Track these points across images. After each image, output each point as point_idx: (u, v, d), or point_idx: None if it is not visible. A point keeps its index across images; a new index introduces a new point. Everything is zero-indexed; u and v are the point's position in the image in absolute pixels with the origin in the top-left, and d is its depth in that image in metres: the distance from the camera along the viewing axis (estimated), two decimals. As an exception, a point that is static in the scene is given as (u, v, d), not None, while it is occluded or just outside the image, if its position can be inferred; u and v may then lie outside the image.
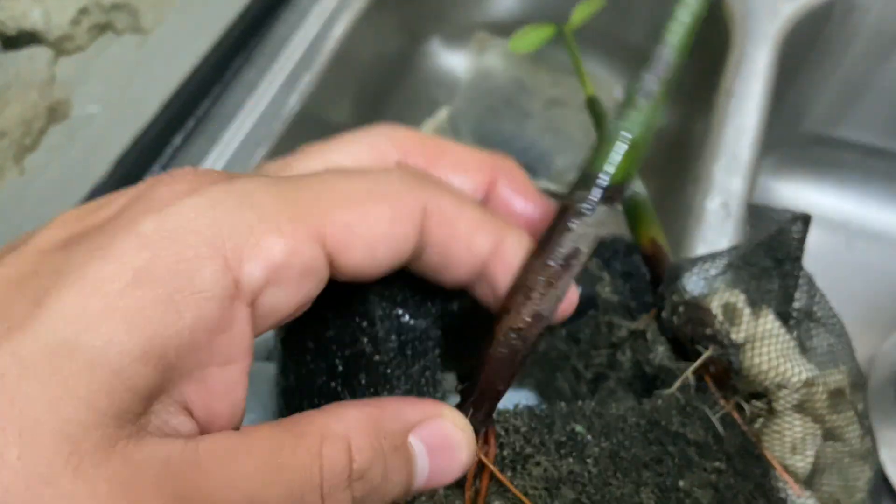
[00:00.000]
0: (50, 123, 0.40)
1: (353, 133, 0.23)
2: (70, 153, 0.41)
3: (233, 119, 0.48)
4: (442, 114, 0.66)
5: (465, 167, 0.22)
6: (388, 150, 0.22)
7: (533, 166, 0.61)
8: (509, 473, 0.20)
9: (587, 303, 0.28)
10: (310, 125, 0.52)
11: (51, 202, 0.41)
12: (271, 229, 0.17)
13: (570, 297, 0.22)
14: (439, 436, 0.19)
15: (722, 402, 0.25)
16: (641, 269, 0.31)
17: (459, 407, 0.20)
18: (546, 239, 0.20)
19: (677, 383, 0.25)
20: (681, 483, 0.21)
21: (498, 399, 0.20)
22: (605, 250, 0.31)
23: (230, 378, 0.17)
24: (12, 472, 0.14)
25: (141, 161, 0.44)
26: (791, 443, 0.27)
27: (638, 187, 0.36)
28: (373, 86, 0.63)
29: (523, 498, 0.19)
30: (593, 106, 0.40)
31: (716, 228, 0.42)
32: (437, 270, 0.21)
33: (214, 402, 0.17)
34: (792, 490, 0.24)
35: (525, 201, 0.22)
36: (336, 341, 0.21)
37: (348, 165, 0.21)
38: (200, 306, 0.16)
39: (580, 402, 0.22)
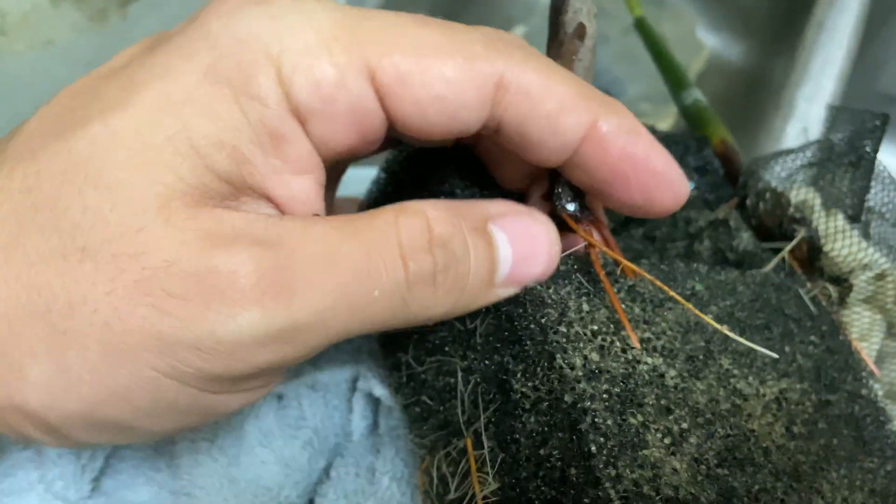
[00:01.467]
0: (155, -25, 0.41)
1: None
2: (170, 6, 0.43)
3: None
4: (517, 32, 0.65)
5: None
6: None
7: (606, 92, 0.61)
8: (650, 308, 0.20)
9: None
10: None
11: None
12: (325, 55, 0.17)
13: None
14: (520, 225, 0.19)
15: (808, 284, 0.26)
16: (715, 164, 0.31)
17: (551, 196, 0.21)
18: (553, 29, 0.21)
19: (774, 261, 0.26)
20: (787, 349, 0.22)
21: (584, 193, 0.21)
22: (676, 147, 0.31)
23: (306, 186, 0.18)
24: (104, 222, 0.16)
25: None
26: (859, 332, 0.28)
27: (698, 95, 0.37)
28: (442, 9, 0.63)
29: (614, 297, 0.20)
30: (642, 26, 0.42)
31: (794, 152, 0.42)
32: (519, 149, 0.19)
33: (297, 207, 0.18)
34: (871, 369, 0.25)
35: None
36: None
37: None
38: (260, 110, 0.17)
39: (694, 264, 0.23)
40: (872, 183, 0.31)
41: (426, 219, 0.18)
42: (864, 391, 0.23)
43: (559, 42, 0.21)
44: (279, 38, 0.17)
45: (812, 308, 0.24)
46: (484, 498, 0.19)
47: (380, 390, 0.24)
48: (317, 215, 0.18)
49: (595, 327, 0.19)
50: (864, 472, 0.20)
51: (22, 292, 0.16)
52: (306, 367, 0.24)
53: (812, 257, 0.27)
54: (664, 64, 0.42)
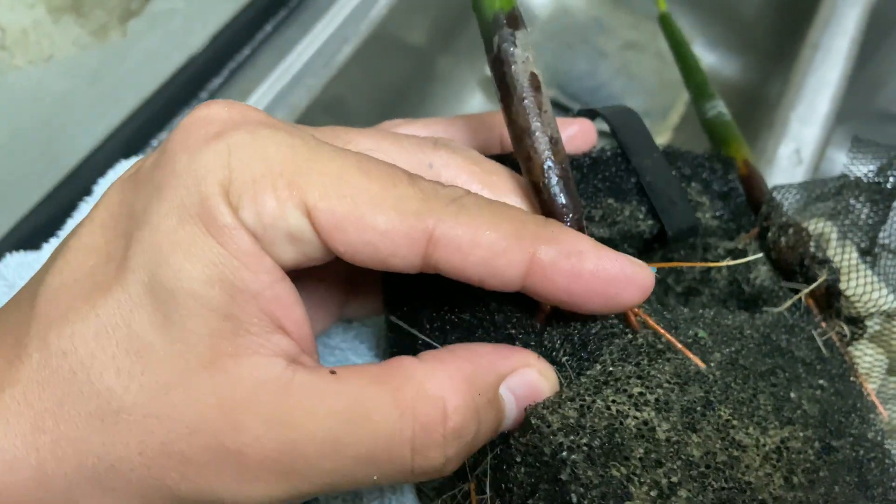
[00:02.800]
0: (156, -9, 0.42)
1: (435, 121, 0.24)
2: (171, 23, 0.43)
3: (323, 14, 0.49)
4: (516, 46, 0.66)
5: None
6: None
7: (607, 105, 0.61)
8: (645, 361, 0.20)
9: (690, 231, 0.28)
10: (386, 44, 0.53)
11: (148, 68, 0.43)
12: (268, 188, 0.18)
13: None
14: (528, 385, 0.20)
15: (823, 325, 0.26)
16: (739, 190, 0.31)
17: None
18: (504, 85, 0.22)
19: (788, 302, 0.26)
20: (792, 395, 0.22)
21: (582, 223, 0.22)
22: (702, 170, 0.31)
23: (290, 291, 0.19)
24: (135, 383, 0.17)
25: (237, 38, 0.46)
26: (861, 370, 0.28)
27: (722, 108, 0.36)
28: (449, 14, 0.63)
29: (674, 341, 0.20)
30: (666, 23, 0.40)
31: (786, 173, 0.42)
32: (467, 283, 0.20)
33: (292, 314, 0.19)
34: (880, 412, 0.25)
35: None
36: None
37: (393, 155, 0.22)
38: (228, 235, 0.18)
39: (700, 311, 0.23)
40: (889, 218, 0.30)
41: (444, 409, 0.18)
42: (870, 434, 0.23)
43: (519, 98, 0.21)
44: (230, 170, 0.18)
45: (824, 350, 0.24)
46: None
47: None
48: (333, 373, 0.19)
49: (571, 392, 0.20)
50: None
51: (74, 455, 0.17)
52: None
53: (830, 297, 0.27)
54: (687, 70, 0.39)
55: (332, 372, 0.18)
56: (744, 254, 0.29)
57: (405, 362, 0.19)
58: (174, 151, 0.19)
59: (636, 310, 0.21)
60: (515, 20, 0.21)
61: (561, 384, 0.20)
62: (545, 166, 0.21)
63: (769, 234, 0.29)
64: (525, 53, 0.21)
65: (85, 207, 0.35)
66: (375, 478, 0.18)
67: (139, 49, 0.42)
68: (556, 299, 0.19)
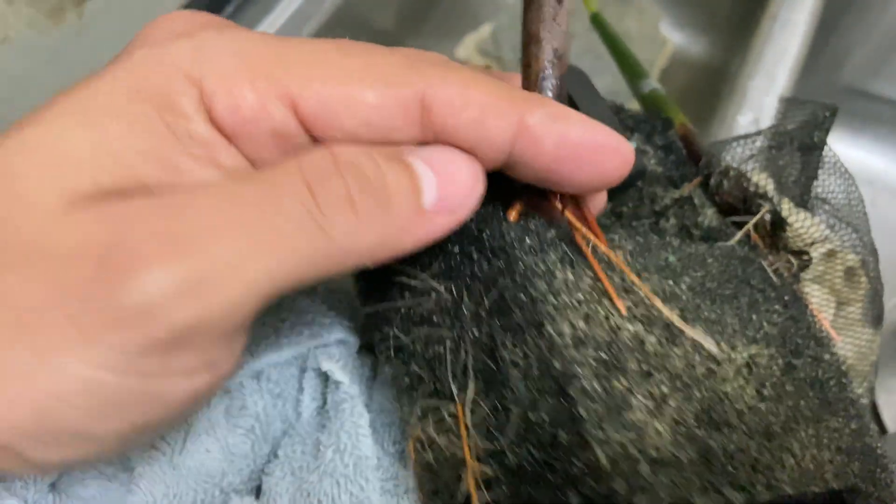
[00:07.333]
0: (112, -28, 0.41)
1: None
2: (129, 3, 0.43)
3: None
4: (485, 29, 0.66)
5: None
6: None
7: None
8: (629, 282, 0.21)
9: (637, 174, 0.28)
10: (350, 26, 0.53)
11: (106, 49, 0.43)
12: (245, 81, 0.17)
13: None
14: (438, 152, 0.19)
15: (770, 257, 0.27)
16: (678, 144, 0.32)
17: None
18: None
19: (739, 234, 0.27)
20: (754, 317, 0.23)
21: None
22: (644, 126, 0.33)
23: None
24: (15, 227, 0.16)
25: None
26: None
27: (654, 84, 0.38)
28: (418, -4, 0.63)
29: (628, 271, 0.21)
30: (597, 21, 0.44)
31: (746, 142, 0.43)
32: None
33: None
34: (833, 338, 0.26)
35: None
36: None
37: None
38: (185, 125, 0.17)
39: (667, 237, 0.24)
40: (820, 171, 0.32)
41: (330, 150, 0.17)
42: (826, 356, 0.24)
43: (539, 3, 0.21)
44: (200, 64, 0.17)
45: (775, 279, 0.25)
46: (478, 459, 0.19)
47: (327, 364, 0.24)
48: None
49: (580, 296, 0.19)
50: (831, 430, 0.21)
51: None
52: (248, 358, 0.24)
53: (775, 230, 0.28)
54: (620, 56, 0.43)
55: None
56: (689, 200, 0.29)
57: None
58: (132, 48, 0.18)
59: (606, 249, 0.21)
60: None
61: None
62: (542, 76, 0.21)
63: (711, 180, 0.30)
64: None
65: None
66: (287, 224, 0.16)
67: (97, 30, 0.42)
68: (542, 168, 0.19)
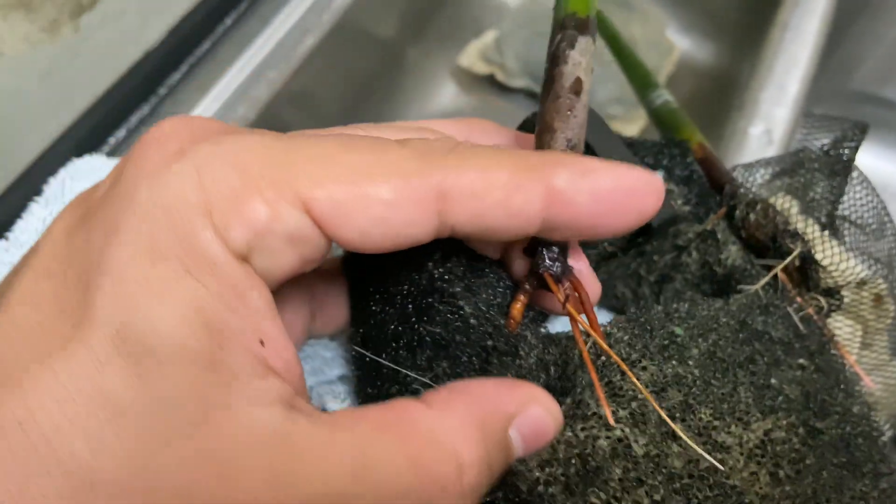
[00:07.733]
0: (108, -15, 0.41)
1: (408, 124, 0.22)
2: (126, 17, 0.42)
3: (284, 5, 0.48)
4: (488, 36, 0.65)
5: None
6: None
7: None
8: (617, 378, 0.20)
9: (671, 220, 0.28)
10: (351, 35, 0.52)
11: (102, 64, 0.42)
12: (254, 194, 0.16)
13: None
14: (534, 424, 0.19)
15: (799, 300, 0.26)
16: (699, 172, 0.31)
17: (532, 253, 0.20)
18: (549, 80, 0.21)
19: (764, 279, 0.26)
20: (772, 381, 0.21)
21: (566, 246, 0.21)
22: (662, 157, 0.31)
23: (278, 328, 0.17)
24: (110, 452, 0.15)
25: (196, 31, 0.45)
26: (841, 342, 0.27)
27: (667, 96, 0.36)
28: (419, 3, 0.62)
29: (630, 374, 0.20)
30: (600, 23, 0.40)
31: (757, 154, 0.42)
32: (486, 239, 0.19)
33: (283, 353, 0.17)
34: (864, 382, 0.25)
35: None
36: (401, 282, 0.21)
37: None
38: (212, 272, 0.16)
39: (675, 305, 0.23)
40: (846, 190, 0.30)
41: (459, 464, 0.17)
42: (855, 408, 0.22)
43: (555, 94, 0.21)
44: (206, 191, 0.16)
45: (801, 327, 0.24)
46: None
47: (332, 405, 0.24)
48: (331, 417, 0.17)
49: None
50: (857, 498, 0.20)
51: None
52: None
53: (805, 270, 0.27)
54: (628, 65, 0.40)
55: (326, 413, 0.17)
56: (712, 234, 0.28)
57: (409, 406, 0.17)
58: (130, 180, 0.17)
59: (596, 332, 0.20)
60: (585, 26, 0.21)
61: None
62: None
63: (737, 213, 0.29)
64: (580, 59, 0.21)
65: (35, 208, 0.34)
66: None
67: (92, 45, 0.41)
68: (579, 225, 0.18)
